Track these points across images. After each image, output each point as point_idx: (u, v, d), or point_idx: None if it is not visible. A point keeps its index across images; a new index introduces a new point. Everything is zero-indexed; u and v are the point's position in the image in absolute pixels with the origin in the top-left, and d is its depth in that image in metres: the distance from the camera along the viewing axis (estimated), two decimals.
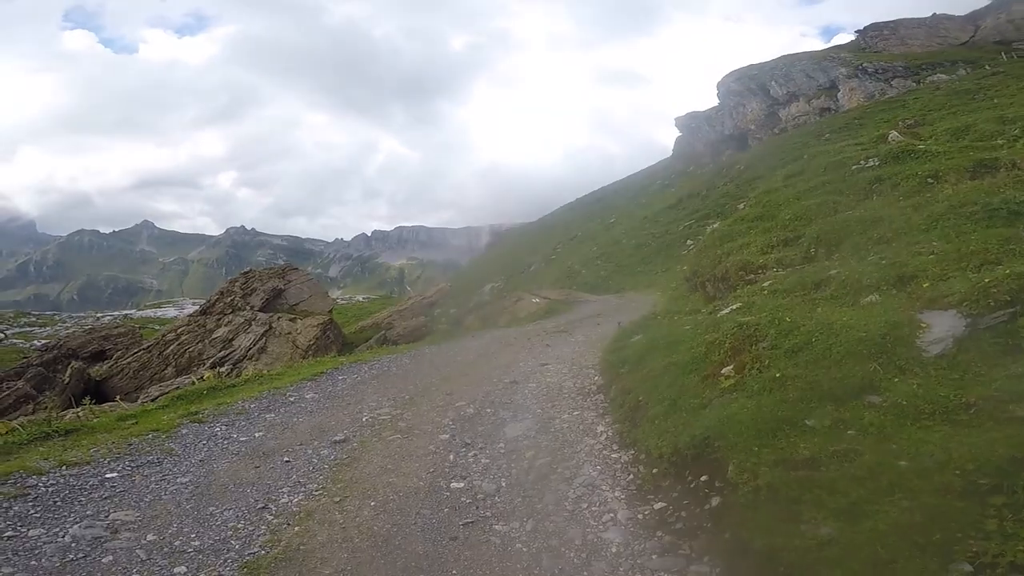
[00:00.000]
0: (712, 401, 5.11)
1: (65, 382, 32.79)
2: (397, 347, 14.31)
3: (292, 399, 9.16)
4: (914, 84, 46.07)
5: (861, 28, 59.47)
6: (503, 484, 5.60)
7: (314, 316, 39.80)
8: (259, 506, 5.42)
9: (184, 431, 7.55)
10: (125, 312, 72.44)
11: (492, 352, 12.42)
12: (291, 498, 5.59)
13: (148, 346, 37.77)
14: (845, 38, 67.80)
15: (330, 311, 43.57)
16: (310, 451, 6.78)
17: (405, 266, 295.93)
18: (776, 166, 38.56)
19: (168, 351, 36.61)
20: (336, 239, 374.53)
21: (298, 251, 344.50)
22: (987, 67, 41.92)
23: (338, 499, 5.49)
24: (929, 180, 10.01)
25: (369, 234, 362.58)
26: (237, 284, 41.37)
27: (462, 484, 5.65)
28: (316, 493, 5.66)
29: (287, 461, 6.50)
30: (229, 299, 39.99)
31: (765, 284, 8.18)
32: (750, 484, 3.76)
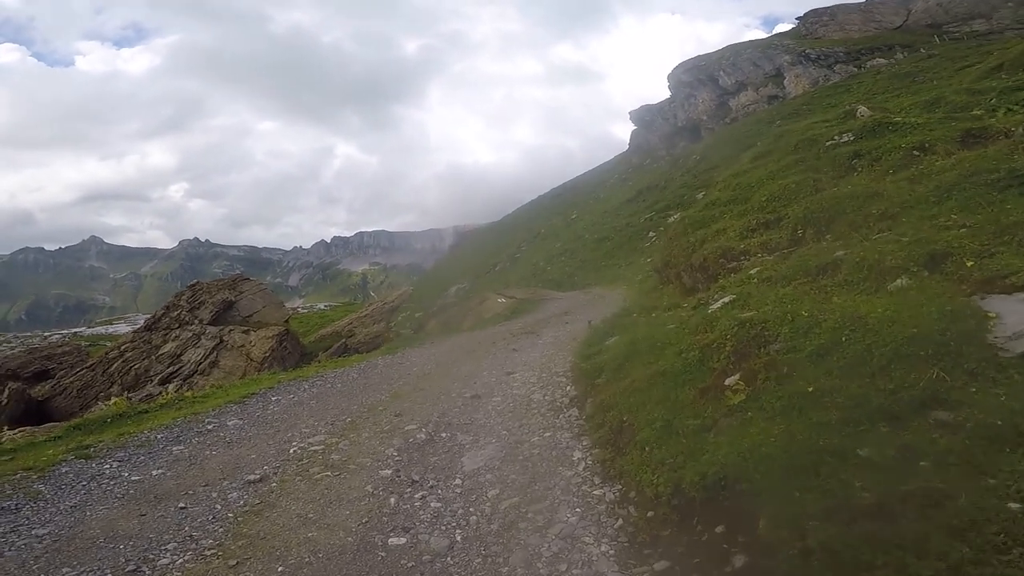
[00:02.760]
0: (718, 422, 4.02)
1: (3, 404, 30.11)
2: (348, 359, 12.88)
3: (210, 427, 7.69)
4: (855, 69, 47.13)
5: (801, 15, 60.91)
6: (458, 538, 4.35)
7: (269, 327, 37.62)
8: (129, 569, 4.16)
9: (64, 469, 6.15)
10: (75, 330, 68.04)
11: (452, 360, 11.14)
12: (175, 558, 4.29)
13: (92, 364, 35.09)
14: (787, 28, 69.90)
15: (286, 321, 41.39)
16: (215, 494, 5.40)
17: (368, 272, 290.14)
18: (730, 155, 38.90)
19: (112, 368, 34.06)
20: (295, 247, 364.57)
21: (256, 261, 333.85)
22: (922, 50, 43.16)
23: (234, 562, 4.16)
24: (915, 152, 9.27)
25: (329, 241, 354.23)
26: (184, 298, 38.77)
27: (403, 539, 4.38)
28: (209, 552, 4.33)
29: (182, 508, 5.13)
30: (175, 313, 37.41)
31: (752, 271, 7.20)
32: (795, 545, 2.67)
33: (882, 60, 45.87)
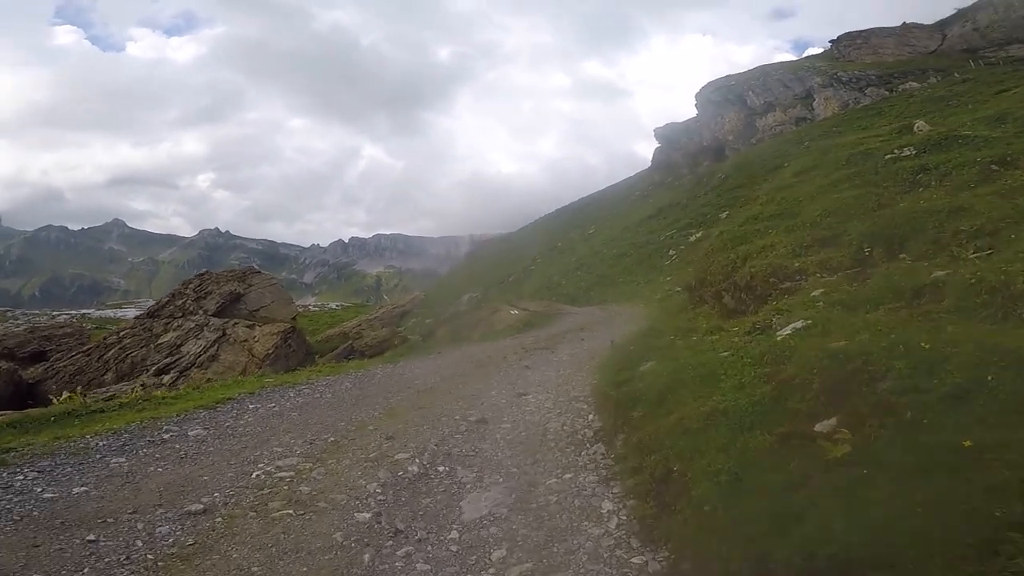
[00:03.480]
0: (812, 479, 2.92)
1: None
2: (345, 364, 11.90)
3: (167, 436, 6.67)
4: (887, 92, 46.41)
5: (835, 38, 60.16)
6: None
7: (275, 323, 36.90)
8: None
9: None
10: (83, 311, 68.12)
11: (459, 374, 10.08)
12: None
13: (87, 349, 34.55)
14: (817, 51, 69.47)
15: (293, 318, 40.73)
16: (140, 526, 4.34)
17: (382, 274, 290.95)
18: (757, 174, 37.83)
19: (108, 355, 33.50)
20: (312, 245, 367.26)
21: (273, 256, 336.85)
22: (956, 75, 42.26)
23: None
24: (994, 166, 8.13)
25: (346, 241, 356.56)
26: (191, 286, 38.19)
27: None
28: None
29: (91, 541, 4.08)
30: (180, 302, 36.83)
31: (815, 293, 6.09)
32: None
33: (915, 84, 45.15)
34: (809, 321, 4.83)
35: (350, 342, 38.13)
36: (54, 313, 63.25)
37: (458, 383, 9.22)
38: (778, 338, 4.79)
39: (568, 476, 5.05)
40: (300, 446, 6.36)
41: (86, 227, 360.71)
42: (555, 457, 5.56)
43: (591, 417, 6.50)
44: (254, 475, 5.44)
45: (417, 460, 5.66)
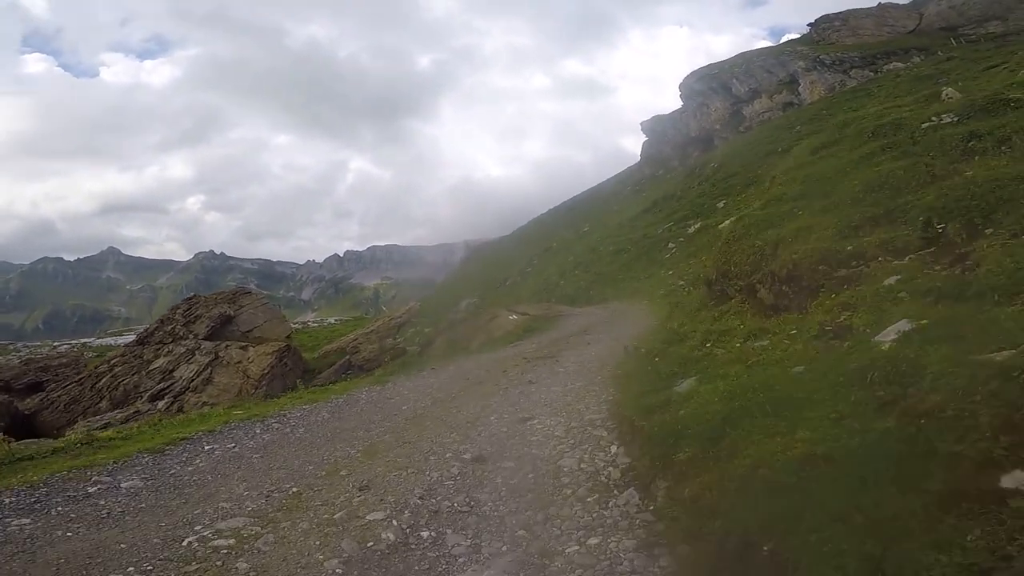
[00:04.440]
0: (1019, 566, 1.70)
1: None
2: (326, 389, 10.61)
3: (93, 489, 5.40)
4: (871, 73, 45.85)
5: (812, 21, 59.80)
6: None
7: (269, 343, 35.68)
8: None
9: None
10: (84, 340, 67.00)
11: (454, 395, 8.78)
12: None
13: (81, 378, 33.58)
14: (795, 37, 69.33)
15: (288, 336, 39.54)
16: None
17: (380, 286, 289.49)
18: (751, 161, 36.96)
19: (101, 383, 32.43)
20: (308, 261, 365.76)
21: (270, 275, 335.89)
22: (940, 53, 41.69)
23: None
24: None
25: (342, 255, 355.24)
26: (179, 312, 37.07)
27: None
28: None
29: None
30: (169, 327, 35.67)
31: (889, 281, 4.84)
32: None
33: (899, 64, 44.73)
34: (923, 321, 3.54)
35: (347, 357, 36.95)
36: (55, 344, 62.20)
37: (452, 407, 7.92)
38: (884, 347, 3.50)
39: (594, 541, 3.76)
40: (253, 500, 5.07)
41: (82, 257, 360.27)
42: (574, 511, 4.27)
43: (614, 450, 5.20)
44: (185, 543, 4.16)
45: (394, 522, 4.36)
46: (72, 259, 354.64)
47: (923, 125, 9.46)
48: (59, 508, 5.06)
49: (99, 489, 5.48)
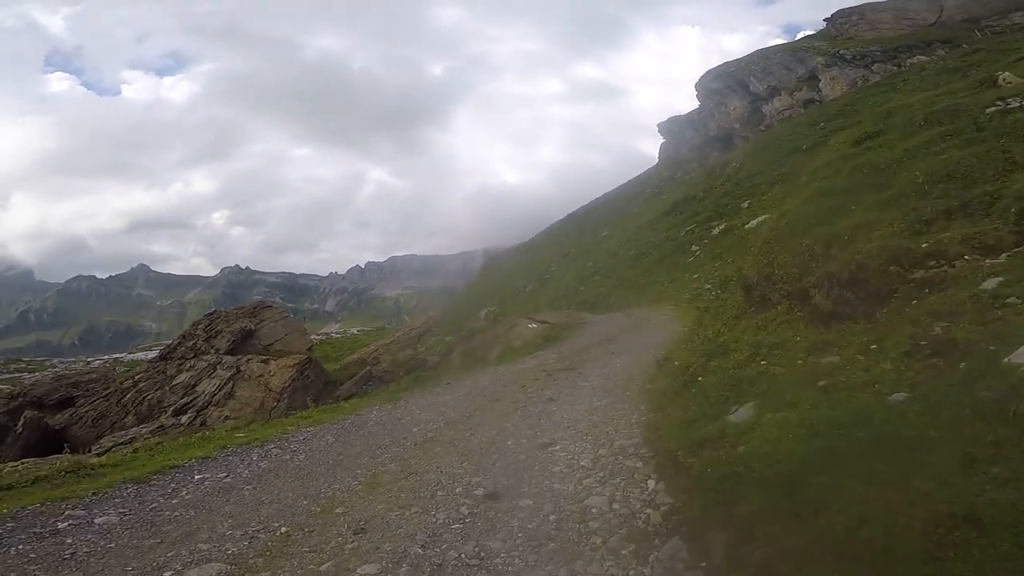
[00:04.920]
0: None
1: (18, 432, 29.33)
2: (341, 406, 10.00)
3: (63, 525, 4.80)
4: (895, 67, 44.52)
5: (829, 16, 58.07)
6: None
7: (291, 356, 35.56)
8: None
9: None
10: (115, 355, 68.68)
11: (469, 415, 8.05)
12: None
13: (107, 394, 34.05)
14: (809, 33, 67.70)
15: (310, 348, 39.44)
16: None
17: (401, 296, 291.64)
18: (777, 159, 35.71)
19: (126, 399, 32.79)
20: (331, 273, 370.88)
21: (293, 287, 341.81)
22: (965, 45, 40.00)
23: None
24: None
25: (363, 266, 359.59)
26: (200, 327, 37.25)
27: None
28: None
29: None
30: (191, 343, 35.84)
31: (988, 284, 3.98)
32: None
33: (923, 57, 43.26)
34: None
35: (368, 368, 36.53)
36: (88, 359, 63.81)
37: (466, 429, 7.19)
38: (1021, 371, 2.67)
39: None
40: (235, 542, 4.42)
41: (113, 274, 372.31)
42: (605, 567, 3.49)
43: (653, 486, 4.40)
44: None
45: None
46: (104, 276, 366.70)
47: (988, 110, 8.45)
48: (20, 547, 4.50)
49: (69, 525, 4.90)
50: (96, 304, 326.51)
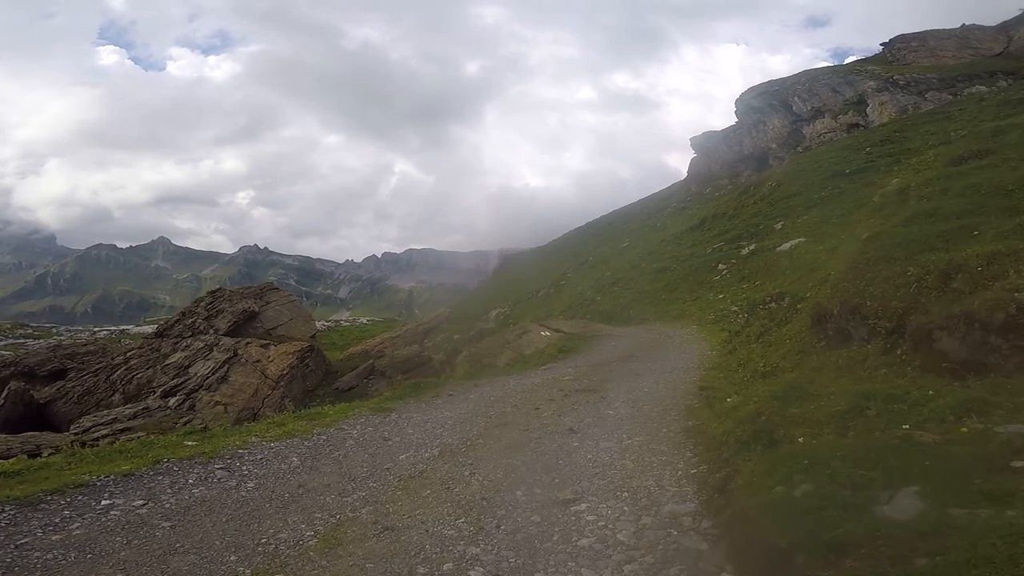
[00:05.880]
0: None
1: (0, 405, 28.37)
2: (323, 411, 8.54)
3: None
4: (950, 96, 43.14)
5: (886, 40, 56.35)
6: None
7: (292, 342, 34.39)
8: None
9: None
10: (123, 327, 68.37)
11: (469, 441, 6.56)
12: None
13: (96, 370, 32.99)
14: (856, 59, 65.97)
15: (312, 336, 38.28)
16: None
17: (414, 289, 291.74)
18: (816, 182, 34.12)
19: (115, 376, 31.70)
20: (347, 260, 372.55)
21: (309, 271, 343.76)
22: None
23: None
24: None
25: (379, 256, 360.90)
26: (202, 305, 36.24)
27: None
28: None
29: None
30: (190, 321, 34.79)
31: None
32: None
33: (983, 87, 41.96)
34: None
35: (371, 361, 35.38)
36: (95, 329, 63.42)
37: (464, 463, 5.69)
38: None
39: None
40: None
41: (133, 245, 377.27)
42: None
43: None
44: None
45: None
46: (124, 246, 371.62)
47: None
48: None
49: None
50: (113, 273, 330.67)
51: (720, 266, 29.32)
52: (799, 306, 10.23)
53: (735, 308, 20.91)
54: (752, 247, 29.79)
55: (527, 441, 6.36)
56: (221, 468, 5.55)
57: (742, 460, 4.20)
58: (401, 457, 6.05)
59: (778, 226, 31.37)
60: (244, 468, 5.61)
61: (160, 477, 5.26)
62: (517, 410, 8.08)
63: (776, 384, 5.90)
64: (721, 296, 24.33)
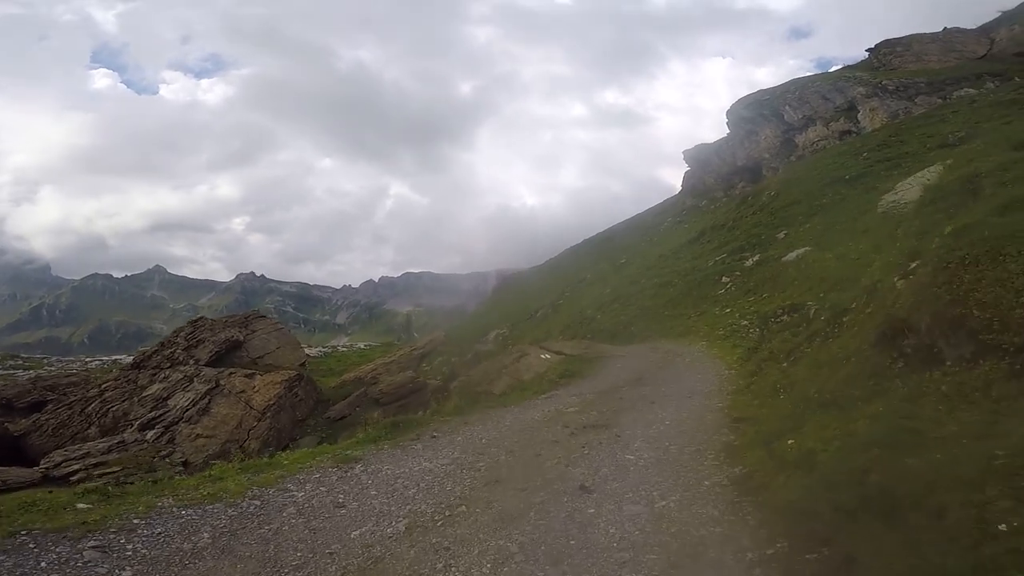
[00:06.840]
0: None
1: None
2: (274, 461, 6.93)
3: None
4: (940, 100, 42.90)
5: (872, 46, 56.31)
6: None
7: (279, 371, 32.59)
8: None
9: None
10: (115, 357, 66.50)
11: (448, 511, 4.94)
12: None
13: (71, 402, 31.27)
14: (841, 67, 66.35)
15: (302, 364, 36.45)
16: None
17: (412, 312, 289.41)
18: (816, 189, 33.20)
19: (90, 408, 29.92)
20: (344, 286, 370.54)
21: (306, 298, 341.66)
22: (1016, 79, 39.18)
23: None
24: None
25: (376, 280, 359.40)
26: (182, 335, 34.52)
27: None
28: None
29: None
30: (169, 351, 33.05)
31: None
32: None
33: (971, 90, 41.58)
34: None
35: (364, 388, 33.53)
36: (87, 359, 61.67)
37: (436, 551, 4.06)
38: None
39: None
40: None
41: (129, 274, 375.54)
42: None
43: None
44: None
45: None
46: (120, 276, 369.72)
47: None
48: None
49: None
50: (109, 303, 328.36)
51: (724, 279, 27.96)
52: (844, 319, 8.81)
53: (745, 322, 19.50)
54: (756, 258, 28.51)
55: (526, 508, 4.73)
56: (95, 547, 3.90)
57: (853, 541, 2.61)
58: (353, 534, 4.42)
59: (781, 235, 30.19)
60: (129, 548, 3.98)
61: (8, 558, 3.61)
62: (513, 458, 6.45)
63: (864, 422, 4.32)
64: (728, 310, 22.93)
